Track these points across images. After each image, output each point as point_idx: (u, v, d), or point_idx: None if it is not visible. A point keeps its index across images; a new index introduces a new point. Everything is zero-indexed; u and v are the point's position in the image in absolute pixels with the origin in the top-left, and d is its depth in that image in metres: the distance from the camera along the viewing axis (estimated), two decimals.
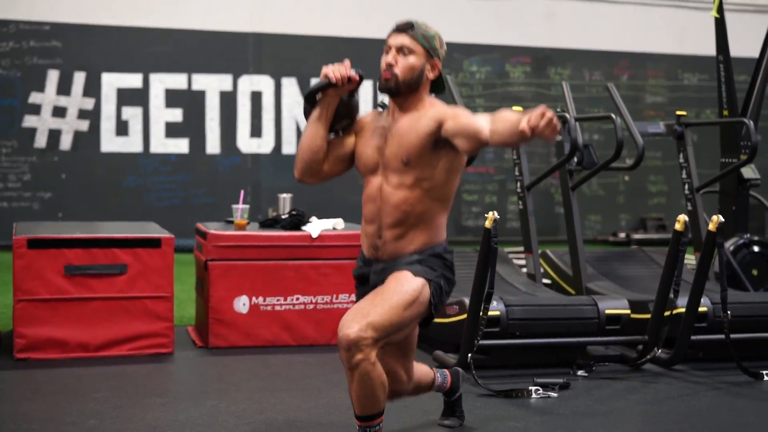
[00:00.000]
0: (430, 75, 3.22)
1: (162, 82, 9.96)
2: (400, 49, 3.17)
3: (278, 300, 5.33)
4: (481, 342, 4.43)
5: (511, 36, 11.10)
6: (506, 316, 4.72)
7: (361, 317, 3.01)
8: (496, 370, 4.75)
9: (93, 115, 9.77)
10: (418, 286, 3.11)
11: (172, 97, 9.99)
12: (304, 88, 10.19)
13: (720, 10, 6.82)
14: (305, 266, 5.36)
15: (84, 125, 9.75)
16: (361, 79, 3.23)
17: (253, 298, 5.30)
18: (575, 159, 5.96)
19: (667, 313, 4.76)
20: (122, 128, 9.86)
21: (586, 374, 4.77)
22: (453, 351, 4.87)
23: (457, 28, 10.53)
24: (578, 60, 11.35)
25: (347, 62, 3.21)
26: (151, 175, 9.94)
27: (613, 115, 5.93)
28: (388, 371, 3.20)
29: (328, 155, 3.28)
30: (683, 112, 6.48)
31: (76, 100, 9.72)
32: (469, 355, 4.42)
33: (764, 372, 4.72)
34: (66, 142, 9.71)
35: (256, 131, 10.26)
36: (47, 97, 9.65)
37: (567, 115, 5.84)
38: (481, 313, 4.36)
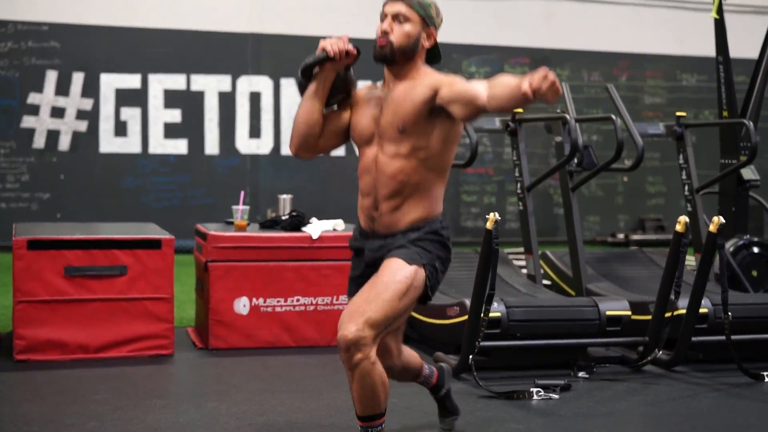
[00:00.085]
0: (426, 44, 3.21)
1: (161, 83, 9.94)
2: (396, 17, 3.16)
3: (278, 301, 5.32)
4: (481, 343, 4.43)
5: (510, 36, 11.10)
6: (507, 317, 4.71)
7: (358, 316, 3.01)
8: (497, 371, 4.74)
9: (91, 116, 9.75)
10: (411, 273, 3.08)
11: (171, 98, 9.97)
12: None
13: (720, 11, 6.82)
14: (305, 267, 5.35)
15: (82, 126, 9.74)
16: (359, 53, 3.20)
17: (254, 300, 5.29)
18: (575, 160, 5.96)
19: (667, 315, 4.76)
20: (121, 129, 9.84)
21: (587, 376, 4.76)
22: (454, 352, 4.86)
23: (456, 29, 10.51)
24: (577, 60, 11.35)
25: (345, 36, 3.20)
26: (149, 175, 9.93)
27: (613, 117, 5.93)
28: (379, 345, 3.17)
29: (323, 130, 3.26)
30: (683, 113, 6.47)
31: (75, 100, 9.71)
32: (470, 356, 4.42)
33: (765, 373, 4.72)
34: (64, 143, 9.70)
35: (254, 132, 10.25)
36: (46, 97, 9.64)
37: (567, 116, 5.84)
38: (482, 315, 4.36)
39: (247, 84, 10.21)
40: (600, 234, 11.39)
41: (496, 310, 4.66)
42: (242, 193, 6.05)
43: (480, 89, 2.96)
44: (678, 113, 6.46)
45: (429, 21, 3.19)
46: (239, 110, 10.19)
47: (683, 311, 4.76)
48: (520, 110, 5.87)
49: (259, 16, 10.27)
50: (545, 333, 4.80)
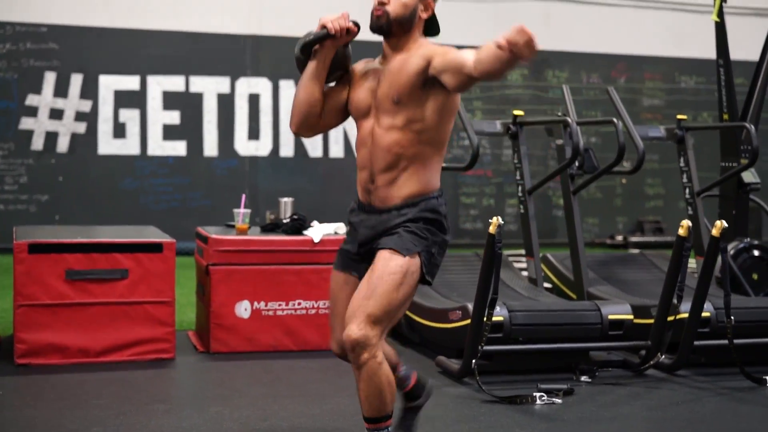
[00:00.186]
0: (423, 15, 3.18)
1: (159, 85, 9.93)
2: None
3: (280, 305, 5.31)
4: (484, 347, 4.42)
5: None
6: (509, 321, 4.70)
7: (360, 314, 3.01)
8: (499, 375, 4.73)
9: (90, 118, 9.73)
10: (404, 262, 3.05)
11: (170, 100, 9.96)
12: None
13: (720, 14, 6.82)
14: (307, 271, 5.34)
15: (81, 127, 9.72)
16: (359, 29, 3.18)
17: (255, 303, 5.28)
18: (576, 163, 5.96)
19: (669, 318, 4.76)
20: (119, 130, 9.82)
21: (590, 380, 4.76)
22: (456, 357, 4.85)
23: (455, 31, 10.51)
24: (576, 63, 11.35)
25: (346, 13, 3.18)
26: (148, 177, 9.91)
27: (614, 120, 5.92)
28: None
29: (323, 107, 3.23)
30: (684, 117, 6.47)
31: (73, 102, 9.69)
32: (473, 360, 4.41)
33: (767, 377, 4.71)
34: (63, 145, 9.68)
35: (253, 134, 10.23)
36: (44, 99, 9.62)
37: (569, 119, 5.83)
38: (485, 319, 4.35)
39: (246, 86, 10.19)
40: (599, 236, 11.39)
41: (499, 314, 4.65)
42: (243, 196, 6.04)
43: (468, 56, 2.93)
44: (679, 116, 6.46)
45: None
46: (238, 112, 10.17)
47: (685, 315, 4.76)
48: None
49: (257, 17, 10.26)
50: (548, 337, 4.79)
